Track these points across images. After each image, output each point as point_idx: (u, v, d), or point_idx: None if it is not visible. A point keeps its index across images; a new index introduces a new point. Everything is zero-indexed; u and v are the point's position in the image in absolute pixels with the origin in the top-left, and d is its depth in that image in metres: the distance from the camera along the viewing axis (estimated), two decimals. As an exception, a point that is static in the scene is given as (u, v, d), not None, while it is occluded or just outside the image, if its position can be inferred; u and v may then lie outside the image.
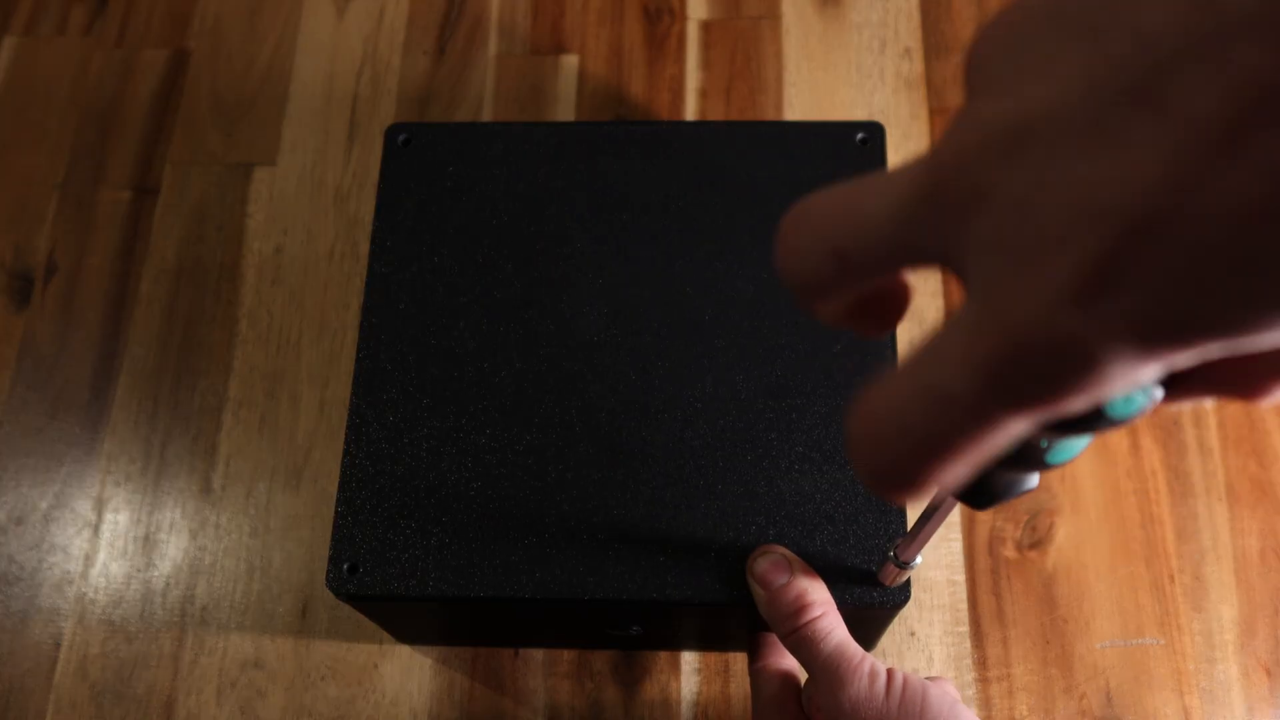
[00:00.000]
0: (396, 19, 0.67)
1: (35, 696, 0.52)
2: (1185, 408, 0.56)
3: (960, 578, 0.53)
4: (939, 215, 0.17)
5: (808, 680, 0.42)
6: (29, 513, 0.56)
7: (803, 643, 0.39)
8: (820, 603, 0.39)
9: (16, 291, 0.61)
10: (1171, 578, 0.53)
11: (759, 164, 0.48)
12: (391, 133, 0.49)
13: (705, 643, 0.51)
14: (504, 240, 0.47)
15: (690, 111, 0.64)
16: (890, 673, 0.37)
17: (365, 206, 0.62)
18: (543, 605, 0.42)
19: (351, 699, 0.52)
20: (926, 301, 0.58)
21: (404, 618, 0.46)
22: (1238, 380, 0.20)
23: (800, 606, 0.39)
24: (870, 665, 0.37)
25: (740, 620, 0.45)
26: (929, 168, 0.18)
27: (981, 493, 0.25)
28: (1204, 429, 0.55)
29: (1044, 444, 0.22)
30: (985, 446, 0.18)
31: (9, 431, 0.58)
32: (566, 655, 0.52)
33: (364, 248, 0.61)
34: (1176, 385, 0.20)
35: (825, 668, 0.38)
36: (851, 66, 0.65)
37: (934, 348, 0.18)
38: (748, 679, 0.49)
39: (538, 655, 0.52)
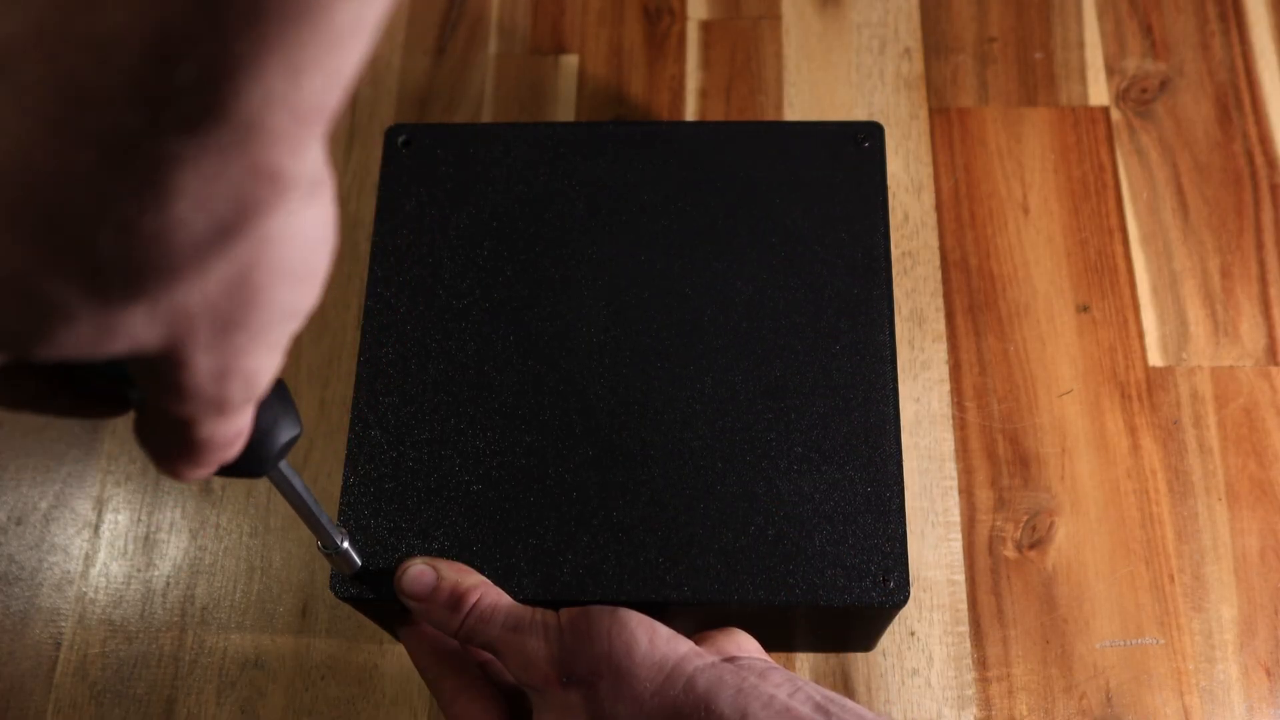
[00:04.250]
0: (396, 19, 0.67)
1: (35, 696, 0.52)
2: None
3: (960, 577, 0.53)
4: None
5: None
6: (29, 513, 0.56)
7: (476, 626, 0.39)
8: (476, 585, 0.40)
9: (16, 292, 0.61)
10: (1171, 578, 0.53)
11: (759, 164, 0.48)
12: (391, 134, 0.49)
13: (705, 643, 0.51)
14: (504, 241, 0.47)
15: (690, 111, 0.64)
16: (559, 614, 0.39)
17: (365, 207, 0.62)
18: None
19: (351, 699, 0.52)
20: (926, 301, 0.58)
21: (405, 618, 0.47)
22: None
23: (458, 597, 0.40)
24: (542, 615, 0.39)
25: (740, 620, 0.45)
26: None
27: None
28: (1204, 429, 0.55)
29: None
30: None
31: (9, 431, 0.58)
32: (566, 655, 0.52)
33: (364, 248, 0.61)
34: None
35: (503, 638, 0.39)
36: (851, 66, 0.65)
37: None
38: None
39: (538, 655, 0.52)
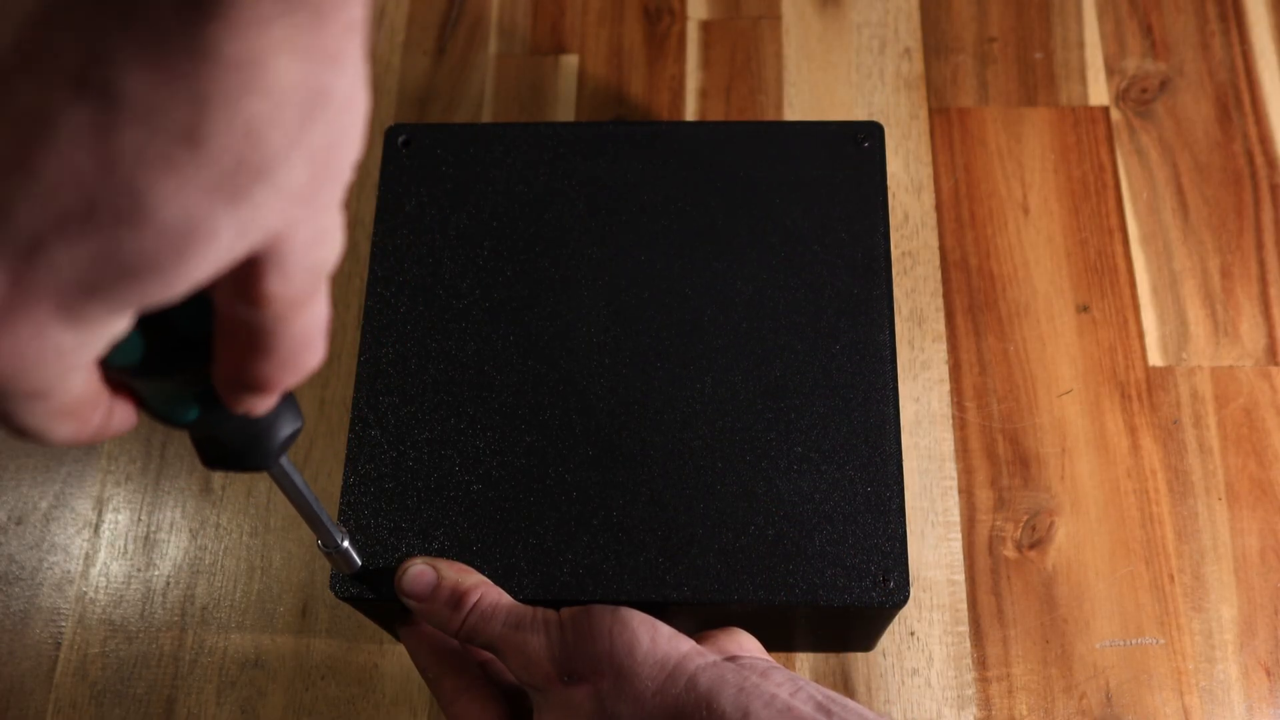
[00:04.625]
0: (396, 19, 0.67)
1: (35, 696, 0.52)
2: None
3: (960, 577, 0.53)
4: None
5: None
6: (29, 512, 0.56)
7: (477, 625, 0.39)
8: (476, 584, 0.40)
9: (17, 291, 0.61)
10: (1171, 577, 0.53)
11: (759, 164, 0.48)
12: (391, 134, 0.49)
13: (705, 643, 0.51)
14: (504, 241, 0.47)
15: (690, 111, 0.64)
16: (560, 613, 0.39)
17: (365, 206, 0.62)
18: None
19: (351, 699, 0.52)
20: (926, 301, 0.58)
21: (405, 618, 0.47)
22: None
23: (459, 596, 0.40)
24: (543, 614, 0.39)
25: (741, 620, 0.45)
26: None
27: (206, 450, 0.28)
28: (1204, 429, 0.55)
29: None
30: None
31: (9, 431, 0.58)
32: (566, 655, 0.52)
33: (364, 248, 0.61)
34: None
35: (504, 637, 0.39)
36: (851, 66, 0.65)
37: None
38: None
39: (538, 655, 0.52)
